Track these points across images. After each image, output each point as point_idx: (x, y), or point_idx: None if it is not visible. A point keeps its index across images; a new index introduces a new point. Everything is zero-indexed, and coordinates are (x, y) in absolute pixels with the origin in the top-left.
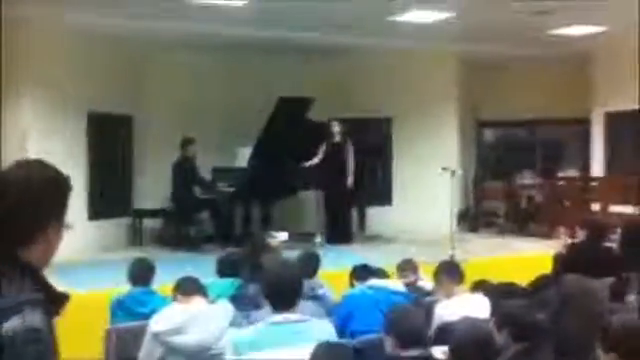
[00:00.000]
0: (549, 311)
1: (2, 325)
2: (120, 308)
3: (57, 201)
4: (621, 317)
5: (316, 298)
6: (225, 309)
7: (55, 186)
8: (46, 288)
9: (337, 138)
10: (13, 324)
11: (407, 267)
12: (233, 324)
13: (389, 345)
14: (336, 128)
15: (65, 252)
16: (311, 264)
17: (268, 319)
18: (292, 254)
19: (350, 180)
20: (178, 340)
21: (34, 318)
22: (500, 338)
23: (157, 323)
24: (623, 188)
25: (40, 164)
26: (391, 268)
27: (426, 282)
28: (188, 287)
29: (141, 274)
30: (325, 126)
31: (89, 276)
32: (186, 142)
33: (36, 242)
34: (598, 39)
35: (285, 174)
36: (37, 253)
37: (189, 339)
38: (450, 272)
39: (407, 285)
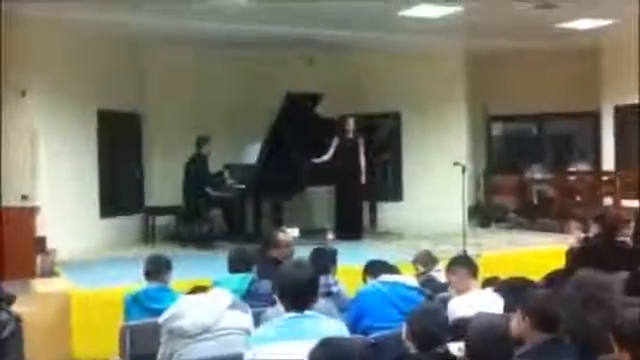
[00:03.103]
0: (565, 305)
1: None
2: (134, 305)
3: None
4: (635, 311)
5: (330, 295)
6: (221, 294)
7: None
8: None
9: (350, 135)
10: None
11: (421, 258)
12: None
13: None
14: (351, 125)
15: (78, 250)
16: (325, 260)
17: (280, 318)
18: (304, 250)
19: (363, 176)
20: (177, 324)
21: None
22: (520, 328)
23: (162, 316)
24: (636, 182)
25: None
26: (402, 264)
27: (442, 274)
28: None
29: (156, 270)
30: (335, 122)
31: (102, 274)
32: (202, 140)
33: None
34: (606, 32)
35: (295, 170)
36: None
37: (185, 322)
38: (463, 267)
39: (418, 275)
